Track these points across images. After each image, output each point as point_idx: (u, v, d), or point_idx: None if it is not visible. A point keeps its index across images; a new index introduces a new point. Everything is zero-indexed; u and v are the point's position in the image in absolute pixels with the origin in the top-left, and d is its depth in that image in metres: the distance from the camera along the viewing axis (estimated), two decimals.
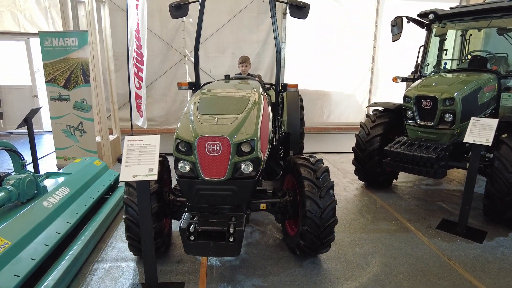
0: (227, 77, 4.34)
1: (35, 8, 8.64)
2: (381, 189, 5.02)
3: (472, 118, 3.59)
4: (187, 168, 2.46)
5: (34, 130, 4.40)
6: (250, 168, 2.45)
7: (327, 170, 3.08)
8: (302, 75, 9.68)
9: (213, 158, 2.40)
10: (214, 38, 9.21)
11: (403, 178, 5.37)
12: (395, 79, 5.32)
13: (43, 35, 5.35)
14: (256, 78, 4.59)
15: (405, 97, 4.27)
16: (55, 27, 8.61)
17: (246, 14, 9.22)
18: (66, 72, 5.40)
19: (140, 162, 2.38)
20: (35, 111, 4.03)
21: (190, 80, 4.02)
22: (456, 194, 4.88)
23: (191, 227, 2.39)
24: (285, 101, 5.03)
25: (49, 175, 3.75)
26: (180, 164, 2.47)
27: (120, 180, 2.36)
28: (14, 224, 2.67)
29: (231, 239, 2.37)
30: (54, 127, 5.69)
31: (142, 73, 5.62)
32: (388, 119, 4.76)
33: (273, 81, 9.51)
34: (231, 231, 2.36)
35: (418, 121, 4.15)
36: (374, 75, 9.67)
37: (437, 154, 3.69)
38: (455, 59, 5.58)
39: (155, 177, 2.34)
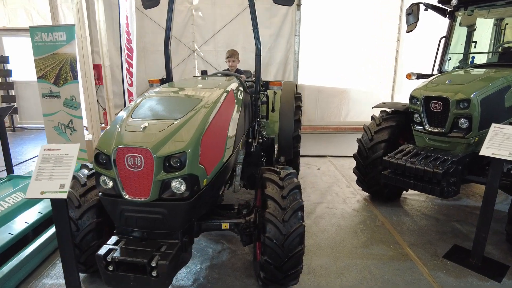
0: (203, 73, 3.90)
1: (47, 4, 8.68)
2: (386, 203, 4.36)
3: (493, 125, 2.88)
4: (110, 184, 2.05)
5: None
6: (182, 187, 2.00)
7: (297, 187, 2.56)
8: (318, 71, 9.04)
9: (134, 174, 1.97)
10: (224, 31, 8.80)
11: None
12: (409, 76, 4.60)
13: (33, 30, 5.20)
14: (242, 75, 4.10)
15: (411, 97, 3.59)
16: (66, 22, 8.60)
17: (258, 6, 8.57)
18: (56, 68, 5.23)
19: (52, 176, 2.02)
20: (6, 110, 3.83)
21: (163, 77, 3.62)
22: (477, 213, 4.10)
23: (109, 256, 1.98)
24: (277, 101, 4.51)
25: (11, 178, 3.53)
26: (101, 179, 2.07)
27: (26, 197, 2.00)
28: None
29: (153, 274, 1.94)
30: (47, 125, 5.57)
31: (133, 68, 5.32)
32: (395, 122, 4.08)
33: (289, 79, 9.08)
34: (153, 264, 1.92)
35: (427, 127, 3.47)
36: (398, 71, 8.78)
37: (445, 168, 3.02)
38: (483, 52, 4.72)
39: (65, 195, 1.95)
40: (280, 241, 2.37)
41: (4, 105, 8.80)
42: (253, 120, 3.53)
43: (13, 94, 8.75)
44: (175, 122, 2.12)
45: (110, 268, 1.99)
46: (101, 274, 2.03)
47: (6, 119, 9.04)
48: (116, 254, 1.99)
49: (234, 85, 3.22)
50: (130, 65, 5.31)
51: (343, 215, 4.07)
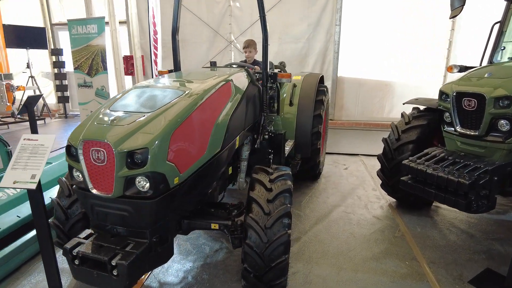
0: (212, 64, 3.75)
1: None
2: (413, 211, 3.88)
3: None
4: (81, 177, 2.02)
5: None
6: (147, 186, 1.88)
7: (287, 190, 2.33)
8: (359, 63, 8.45)
9: (99, 169, 1.90)
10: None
11: None
12: (450, 69, 4.02)
13: (70, 23, 5.50)
14: (256, 67, 3.89)
15: (441, 93, 3.10)
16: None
17: None
18: (89, 59, 5.49)
19: (26, 166, 2.03)
20: (34, 98, 4.07)
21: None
22: None
23: (75, 250, 1.95)
24: (296, 94, 4.23)
25: None
26: (74, 172, 2.04)
27: (1, 185, 2.04)
28: None
29: (114, 273, 1.87)
30: (82, 113, 5.91)
31: (157, 58, 5.38)
32: (427, 121, 3.58)
33: (328, 70, 8.64)
34: (113, 263, 1.85)
35: (458, 128, 2.96)
36: (451, 63, 7.82)
37: (473, 178, 2.53)
38: None
39: (34, 186, 1.95)
40: (260, 249, 2.18)
41: (58, 94, 9.57)
42: (257, 115, 3.31)
43: (66, 83, 9.46)
44: (146, 115, 2.01)
45: (76, 262, 1.96)
46: (70, 267, 2.01)
47: (60, 106, 9.83)
48: (82, 248, 1.96)
49: (236, 76, 3.03)
50: (156, 56, 5.36)
51: (359, 221, 3.70)
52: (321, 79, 5.00)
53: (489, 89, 2.68)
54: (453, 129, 3.02)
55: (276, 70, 5.43)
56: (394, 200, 4.14)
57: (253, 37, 8.84)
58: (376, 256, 3.06)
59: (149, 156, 1.83)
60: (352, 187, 4.68)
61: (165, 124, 1.96)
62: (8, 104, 8.07)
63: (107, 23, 5.29)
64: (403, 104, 4.03)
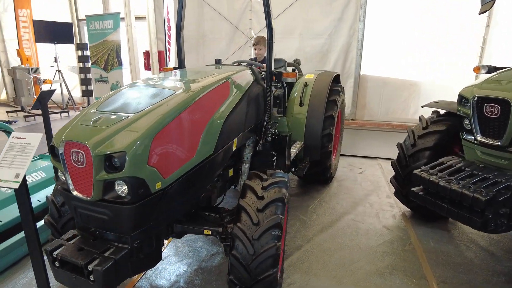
0: (218, 62, 3.64)
1: None
2: (428, 222, 3.61)
3: None
4: (64, 178, 1.98)
5: None
6: (125, 190, 1.81)
7: (280, 200, 2.19)
8: (384, 61, 8.06)
9: (79, 171, 1.85)
10: (281, 18, 8.37)
11: None
12: (477, 70, 3.66)
13: (88, 19, 5.59)
14: (263, 65, 3.74)
15: (460, 97, 2.81)
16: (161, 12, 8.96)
17: None
18: (105, 54, 5.57)
19: (12, 165, 2.02)
20: (48, 93, 4.15)
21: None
22: None
23: (56, 252, 1.92)
24: (307, 94, 4.04)
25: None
26: (59, 173, 2.01)
27: None
28: None
29: (91, 278, 1.82)
30: None
31: (170, 54, 5.35)
32: (446, 126, 3.29)
33: (351, 68, 8.32)
34: (90, 268, 1.80)
35: (478, 137, 2.67)
36: (485, 62, 7.26)
37: (491, 194, 2.26)
38: None
39: (16, 186, 1.94)
40: (247, 262, 2.06)
41: (83, 87, 9.85)
42: (259, 115, 3.16)
43: (90, 77, 9.72)
44: (129, 116, 1.93)
45: (57, 264, 1.93)
46: (51, 268, 1.98)
47: (84, 100, 10.12)
48: (62, 251, 1.92)
49: (238, 74, 2.91)
50: (170, 51, 5.34)
51: (368, 231, 3.48)
52: (336, 78, 4.77)
53: None
54: (473, 137, 2.73)
55: (290, 68, 5.28)
56: (408, 209, 3.87)
57: (274, 33, 8.67)
58: (381, 271, 2.85)
59: (127, 160, 1.75)
60: (365, 193, 4.44)
61: (147, 126, 1.87)
62: (35, 96, 8.39)
63: (122, 18, 5.34)
64: (422, 107, 3.74)
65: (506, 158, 2.53)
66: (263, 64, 3.79)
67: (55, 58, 9.02)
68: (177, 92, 2.20)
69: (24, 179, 2.04)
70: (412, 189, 2.86)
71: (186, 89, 2.27)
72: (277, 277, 2.13)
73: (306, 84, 4.14)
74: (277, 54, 8.96)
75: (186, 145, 2.12)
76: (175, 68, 3.44)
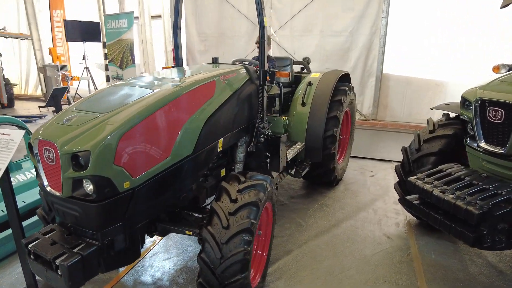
0: (215, 61, 3.61)
1: None
2: (434, 232, 3.37)
3: None
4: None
5: None
6: (90, 188, 1.83)
7: (254, 203, 2.14)
8: (407, 59, 7.66)
9: (50, 168, 1.90)
10: (301, 15, 8.21)
11: None
12: (496, 69, 3.36)
13: (106, 18, 5.78)
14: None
15: (463, 100, 2.58)
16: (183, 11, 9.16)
17: None
18: (120, 52, 5.74)
19: None
20: (60, 91, 4.34)
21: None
22: None
23: (30, 245, 1.99)
24: (311, 93, 3.92)
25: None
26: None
27: None
28: None
29: (59, 272, 1.87)
30: None
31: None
32: (454, 131, 3.05)
33: (373, 66, 8.04)
34: (57, 263, 1.84)
35: (481, 144, 2.44)
36: None
37: (486, 207, 2.05)
38: None
39: None
40: (214, 266, 2.03)
41: (108, 84, 10.24)
42: (252, 115, 3.10)
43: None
44: (99, 116, 1.95)
45: (32, 256, 2.00)
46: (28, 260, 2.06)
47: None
48: (36, 244, 1.98)
49: (230, 74, 2.86)
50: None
51: (365, 239, 3.32)
52: (345, 77, 4.60)
53: None
54: (476, 144, 2.50)
55: (298, 67, 5.15)
56: (414, 217, 3.64)
57: (292, 30, 8.54)
58: (371, 282, 2.70)
59: (91, 159, 1.77)
60: (371, 198, 4.24)
61: (115, 126, 1.88)
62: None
63: (136, 17, 5.47)
64: (431, 109, 3.50)
65: (511, 168, 2.29)
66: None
67: (84, 56, 9.46)
68: (153, 92, 2.20)
69: (7, 174, 2.13)
70: (406, 197, 2.68)
71: (164, 89, 2.27)
72: (247, 282, 2.08)
73: (310, 84, 4.01)
74: (296, 51, 8.83)
75: (159, 145, 2.12)
76: (173, 67, 3.45)
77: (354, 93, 4.69)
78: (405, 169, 3.31)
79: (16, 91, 11.32)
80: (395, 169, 3.47)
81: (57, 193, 1.92)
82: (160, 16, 6.68)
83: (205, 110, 2.45)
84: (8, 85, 9.45)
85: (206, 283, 2.08)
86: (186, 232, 2.48)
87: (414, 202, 2.54)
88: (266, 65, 3.00)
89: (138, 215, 2.17)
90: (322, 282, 2.71)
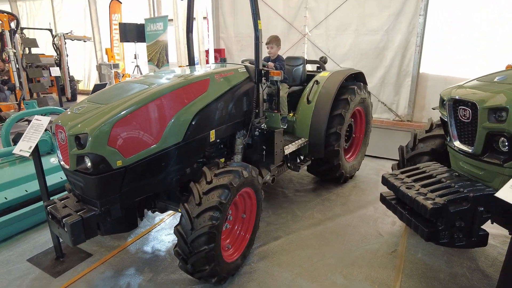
0: (222, 61, 3.93)
1: None
2: None
3: None
4: None
5: None
6: (89, 164, 2.28)
7: (225, 186, 2.46)
8: (446, 59, 7.30)
9: (62, 146, 2.39)
10: (336, 13, 8.22)
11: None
12: (509, 67, 3.24)
13: (147, 22, 6.43)
14: (269, 63, 3.91)
15: (441, 99, 2.59)
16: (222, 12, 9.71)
17: None
18: (157, 53, 6.35)
19: (30, 139, 2.68)
20: (101, 86, 5.02)
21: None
22: None
23: (49, 207, 2.52)
24: (316, 92, 4.08)
25: None
26: None
27: (13, 152, 2.74)
28: (8, 170, 3.60)
29: (65, 229, 2.35)
30: None
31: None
32: None
33: (409, 65, 7.82)
34: (63, 221, 2.32)
35: (456, 143, 2.45)
36: None
37: (441, 203, 2.10)
38: None
39: (26, 154, 2.58)
40: (187, 236, 2.37)
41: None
42: (249, 111, 3.36)
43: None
44: (101, 106, 2.40)
45: (50, 216, 2.52)
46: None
47: None
48: (52, 207, 2.50)
49: (227, 73, 3.17)
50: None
51: (357, 234, 3.42)
52: (359, 77, 4.65)
53: (483, 96, 2.14)
54: (452, 143, 2.51)
55: (314, 66, 5.28)
56: None
57: (327, 29, 8.57)
58: (346, 272, 2.84)
59: (89, 140, 2.22)
60: (377, 197, 4.19)
61: (110, 115, 2.31)
62: None
63: (171, 20, 6.02)
64: (433, 109, 3.46)
65: (482, 168, 2.27)
66: (269, 63, 3.96)
67: (135, 55, 10.45)
68: (149, 87, 2.60)
69: (37, 150, 2.69)
70: (381, 192, 2.77)
71: (160, 85, 2.65)
72: (214, 254, 2.38)
73: (317, 82, 4.17)
74: (330, 50, 8.86)
75: (150, 132, 2.51)
76: (186, 66, 3.85)
77: (368, 92, 4.71)
78: (400, 168, 3.34)
79: (80, 86, 12.84)
80: (391, 168, 3.50)
81: (67, 167, 2.41)
82: (194, 19, 7.18)
83: (196, 104, 2.80)
84: (73, 81, 10.82)
85: (180, 250, 2.43)
86: (179, 210, 2.84)
87: (387, 198, 2.63)
88: (261, 65, 3.24)
89: (133, 191, 2.58)
90: (299, 266, 2.91)
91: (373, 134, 5.62)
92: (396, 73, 7.89)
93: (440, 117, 2.70)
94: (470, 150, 2.30)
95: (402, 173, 2.63)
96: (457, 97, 2.33)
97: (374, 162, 5.51)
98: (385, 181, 2.64)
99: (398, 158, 3.43)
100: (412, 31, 7.47)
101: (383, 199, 2.70)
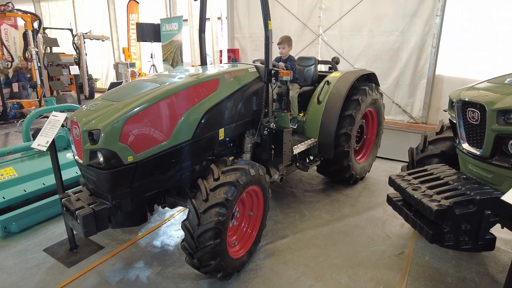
0: (233, 61, 3.98)
1: None
2: None
3: None
4: None
5: None
6: (101, 159, 2.37)
7: (231, 183, 2.51)
8: (464, 60, 7.16)
9: (76, 141, 2.49)
10: (350, 14, 8.17)
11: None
12: None
13: (162, 22, 6.57)
14: (280, 63, 3.94)
15: (450, 100, 2.56)
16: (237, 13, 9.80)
17: None
18: (172, 52, 6.47)
19: (47, 134, 2.80)
20: (116, 84, 5.17)
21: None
22: None
23: (63, 199, 2.63)
24: (327, 92, 4.09)
25: None
26: None
27: (31, 146, 2.87)
28: (28, 164, 3.76)
29: (78, 221, 2.45)
30: None
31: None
32: None
33: (425, 67, 7.71)
34: (76, 213, 2.42)
35: (465, 146, 2.42)
36: None
37: (445, 205, 2.09)
38: None
39: (44, 149, 2.70)
40: (193, 230, 2.43)
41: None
42: (259, 110, 3.40)
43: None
44: (113, 104, 2.49)
45: (64, 209, 2.64)
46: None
47: None
48: (66, 200, 2.61)
49: (237, 73, 3.22)
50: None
51: (364, 235, 3.41)
52: (371, 78, 4.63)
53: (492, 98, 2.11)
54: (461, 146, 2.48)
55: (326, 67, 5.27)
56: None
57: (342, 30, 8.52)
58: (351, 272, 2.85)
59: (101, 136, 2.31)
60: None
61: (123, 112, 2.39)
62: None
63: (186, 20, 6.11)
64: (444, 111, 3.41)
65: (490, 171, 2.24)
66: (280, 63, 3.99)
67: (151, 54, 10.66)
68: (160, 86, 2.68)
69: (54, 145, 2.82)
70: (388, 193, 2.76)
71: (171, 83, 2.72)
72: (219, 249, 2.44)
73: (328, 83, 4.17)
74: (344, 51, 8.83)
75: (160, 129, 2.58)
76: (199, 65, 3.93)
77: (380, 93, 4.68)
78: (409, 170, 3.32)
79: (98, 85, 13.18)
80: (401, 169, 3.48)
81: (81, 161, 2.51)
82: (208, 19, 7.28)
83: (206, 102, 2.86)
84: (91, 80, 11.13)
85: (187, 245, 2.49)
86: (187, 206, 2.92)
87: (394, 199, 2.62)
88: (271, 65, 3.28)
89: (143, 186, 2.66)
90: (304, 265, 2.93)
91: (386, 136, 5.58)
92: (411, 75, 7.79)
93: (449, 119, 2.67)
94: (479, 153, 2.27)
95: (409, 174, 2.62)
96: (466, 99, 2.31)
97: (386, 164, 5.47)
98: (391, 182, 2.64)
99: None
100: (428, 32, 7.35)
101: (389, 200, 2.70)
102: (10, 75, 9.62)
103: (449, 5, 7.02)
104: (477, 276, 2.78)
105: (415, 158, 3.24)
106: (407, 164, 3.41)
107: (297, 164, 3.92)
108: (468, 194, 2.14)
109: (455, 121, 2.51)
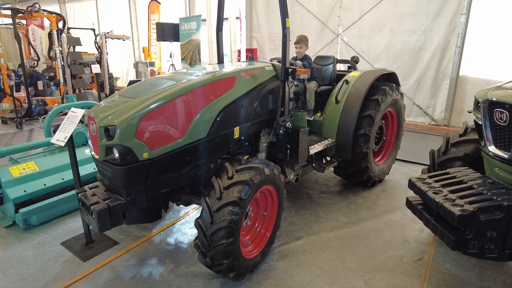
0: (250, 59, 3.94)
1: None
2: None
3: None
4: None
5: None
6: (116, 155, 2.39)
7: (245, 182, 2.48)
8: (490, 61, 6.88)
9: (93, 137, 2.51)
10: (371, 13, 8.01)
11: None
12: None
13: (181, 21, 6.62)
14: (298, 61, 3.89)
15: (476, 101, 2.43)
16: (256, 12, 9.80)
17: None
18: (191, 51, 6.52)
19: (66, 130, 2.85)
20: (134, 82, 5.23)
21: None
22: None
23: (80, 194, 2.67)
24: (346, 91, 4.00)
25: None
26: None
27: (51, 141, 2.93)
28: (48, 158, 3.85)
29: (93, 216, 2.47)
30: None
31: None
32: None
33: (448, 67, 7.49)
34: (91, 208, 2.45)
35: (491, 148, 2.29)
36: None
37: (468, 211, 1.98)
38: None
39: (62, 144, 2.75)
40: (206, 229, 2.41)
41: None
42: (275, 108, 3.35)
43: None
44: (130, 100, 2.50)
45: (80, 203, 2.67)
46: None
47: None
48: (82, 194, 2.65)
49: (254, 71, 3.19)
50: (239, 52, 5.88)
51: (381, 239, 3.31)
52: (392, 78, 4.49)
53: None
54: (486, 148, 2.35)
55: (345, 66, 5.16)
56: None
57: (361, 29, 8.36)
58: (367, 277, 2.76)
59: (117, 132, 2.32)
60: (403, 203, 4.09)
61: (138, 108, 2.40)
62: None
63: (204, 20, 6.12)
64: (469, 112, 3.26)
65: None
66: (297, 61, 3.93)
67: (170, 54, 10.78)
68: (177, 83, 2.67)
69: (71, 139, 2.86)
70: (407, 197, 2.65)
71: (187, 81, 2.72)
72: (232, 248, 2.41)
73: (346, 82, 4.08)
74: (364, 51, 8.69)
75: (176, 126, 2.58)
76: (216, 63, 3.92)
77: (401, 94, 4.54)
78: (430, 173, 3.19)
79: (119, 83, 13.45)
80: (421, 172, 3.35)
81: (97, 157, 2.53)
82: (227, 19, 7.31)
83: (222, 100, 2.84)
84: (111, 78, 11.36)
85: (200, 243, 2.47)
86: (201, 203, 2.91)
87: (413, 202, 2.52)
88: (288, 63, 3.23)
89: (158, 183, 2.67)
90: (319, 268, 2.86)
91: (407, 138, 5.41)
92: (433, 75, 7.55)
93: (474, 120, 2.55)
94: (507, 156, 2.14)
95: (430, 177, 2.51)
96: (494, 99, 2.18)
97: (406, 166, 5.31)
98: (411, 185, 2.54)
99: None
100: (453, 31, 7.11)
101: (409, 203, 2.59)
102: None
103: (474, 4, 6.76)
104: (503, 287, 2.64)
105: (437, 160, 3.11)
106: (428, 167, 3.28)
107: (313, 164, 3.85)
108: (494, 199, 2.02)
109: (480, 122, 2.38)
